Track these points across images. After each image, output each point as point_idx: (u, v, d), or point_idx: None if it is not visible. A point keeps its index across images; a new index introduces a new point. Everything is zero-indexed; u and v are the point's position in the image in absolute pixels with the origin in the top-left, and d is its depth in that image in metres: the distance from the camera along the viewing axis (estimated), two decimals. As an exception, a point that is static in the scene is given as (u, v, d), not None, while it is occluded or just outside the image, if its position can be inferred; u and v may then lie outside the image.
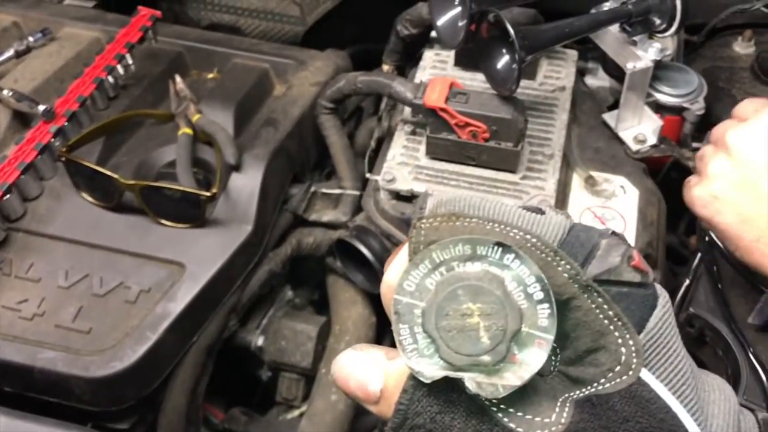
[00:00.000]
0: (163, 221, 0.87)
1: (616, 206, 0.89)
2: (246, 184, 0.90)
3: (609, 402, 0.32)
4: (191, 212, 0.86)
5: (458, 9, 0.87)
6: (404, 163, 0.91)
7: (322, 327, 0.98)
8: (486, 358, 0.31)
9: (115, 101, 0.99)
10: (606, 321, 0.32)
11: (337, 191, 1.01)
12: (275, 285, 1.00)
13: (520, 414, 0.32)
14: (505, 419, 0.32)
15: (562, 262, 0.33)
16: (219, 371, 0.93)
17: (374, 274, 0.93)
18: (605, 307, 0.32)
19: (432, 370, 0.32)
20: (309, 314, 1.04)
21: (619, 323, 0.32)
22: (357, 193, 0.99)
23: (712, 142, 0.73)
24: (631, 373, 0.32)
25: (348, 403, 0.91)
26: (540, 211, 0.35)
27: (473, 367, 0.31)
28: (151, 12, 1.04)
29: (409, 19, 1.03)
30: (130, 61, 1.00)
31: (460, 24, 0.86)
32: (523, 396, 0.32)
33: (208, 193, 0.84)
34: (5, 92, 0.93)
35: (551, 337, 0.31)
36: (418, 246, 0.34)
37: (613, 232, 0.35)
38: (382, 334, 1.07)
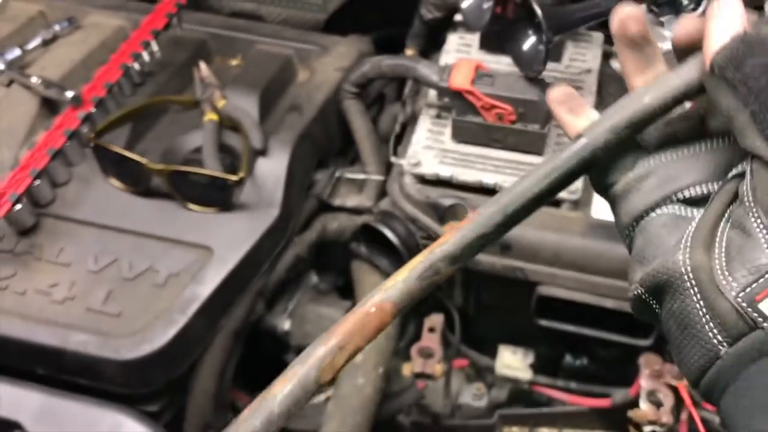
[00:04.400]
0: (191, 206, 0.88)
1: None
2: (272, 168, 0.91)
3: None
4: (218, 196, 0.87)
5: (484, -9, 0.86)
6: (429, 147, 0.91)
7: (347, 312, 0.98)
8: None
9: (141, 88, 1.00)
10: None
11: (361, 176, 1.01)
12: (301, 270, 1.00)
13: None
14: None
15: None
16: (246, 356, 0.94)
17: (399, 258, 0.93)
18: None
19: None
20: (334, 299, 1.04)
21: None
22: (381, 178, 1.00)
23: None
24: None
25: (375, 386, 0.92)
26: None
27: None
28: (176, -1, 1.04)
29: (433, 3, 1.02)
30: (155, 48, 1.00)
31: (486, 6, 0.86)
32: None
33: (235, 177, 0.85)
34: (33, 79, 0.94)
35: None
36: None
37: None
38: (407, 320, 1.07)
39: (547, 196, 0.43)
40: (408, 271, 0.43)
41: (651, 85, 0.41)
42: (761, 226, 0.36)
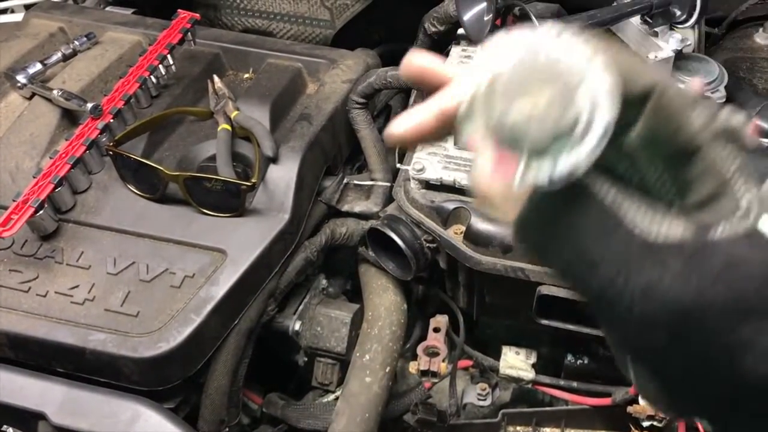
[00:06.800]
0: (206, 211, 0.91)
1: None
2: (283, 175, 0.94)
3: (730, 239, 0.34)
4: (232, 202, 0.90)
5: (483, 4, 0.90)
6: (434, 153, 0.94)
7: (355, 313, 1.01)
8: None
9: (157, 99, 1.04)
10: (732, 170, 0.34)
11: (368, 183, 1.04)
12: (310, 273, 1.03)
13: (647, 222, 0.34)
14: (630, 223, 0.34)
15: (700, 108, 0.34)
16: (257, 357, 0.96)
17: (405, 261, 0.96)
18: (732, 157, 0.34)
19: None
20: (343, 302, 1.06)
21: (742, 174, 0.34)
22: (388, 184, 1.03)
23: None
24: (751, 219, 0.34)
25: (382, 385, 0.94)
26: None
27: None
28: (191, 15, 1.08)
29: (436, 17, 1.06)
30: (171, 62, 1.04)
31: (486, 19, 0.89)
32: (654, 211, 0.34)
33: (248, 183, 0.88)
34: (55, 92, 0.98)
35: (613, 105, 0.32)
36: None
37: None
38: (413, 323, 1.10)
39: None
40: None
41: None
42: None
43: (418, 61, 0.41)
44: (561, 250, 0.35)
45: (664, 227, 0.34)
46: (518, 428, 1.05)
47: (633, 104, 0.34)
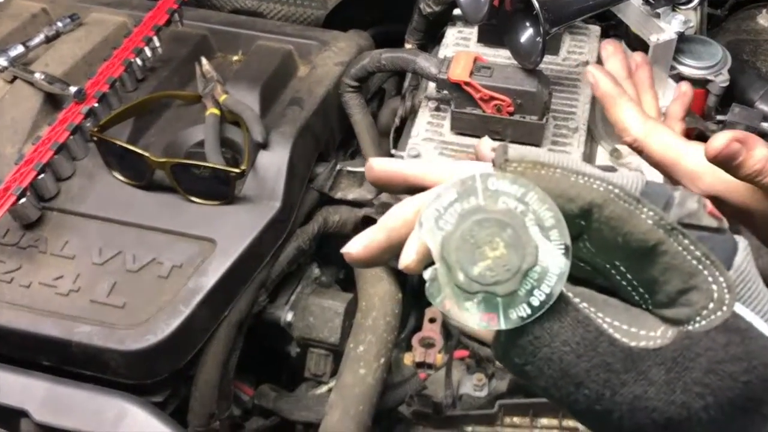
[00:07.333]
0: (194, 198, 0.88)
1: (641, 178, 0.89)
2: (273, 161, 0.91)
3: (708, 334, 0.33)
4: (221, 189, 0.87)
5: (481, -16, 0.87)
6: (429, 139, 0.91)
7: (349, 303, 0.99)
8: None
9: (144, 83, 1.01)
10: (695, 261, 0.33)
11: (361, 169, 1.01)
12: (302, 263, 1.01)
13: (625, 327, 0.33)
14: (610, 330, 0.33)
15: (645, 209, 0.33)
16: (248, 348, 0.94)
17: (400, 249, 0.93)
18: (692, 248, 0.33)
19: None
20: (336, 291, 1.04)
21: (708, 262, 0.33)
22: (382, 170, 1.00)
23: None
24: (725, 308, 0.33)
25: (377, 377, 0.92)
26: (614, 169, 0.36)
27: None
28: (177, -5, 1.05)
29: (431, -3, 1.03)
30: (157, 44, 1.01)
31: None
32: (629, 313, 0.34)
33: (237, 170, 0.85)
34: (37, 75, 0.95)
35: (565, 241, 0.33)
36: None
37: (683, 186, 0.35)
38: (407, 312, 1.08)
39: None
40: None
41: None
42: None
43: (379, 167, 0.40)
44: (543, 369, 0.34)
45: (642, 332, 0.33)
46: (515, 419, 1.04)
47: (575, 222, 0.34)
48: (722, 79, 0.95)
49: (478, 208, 0.33)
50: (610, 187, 0.34)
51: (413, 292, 1.11)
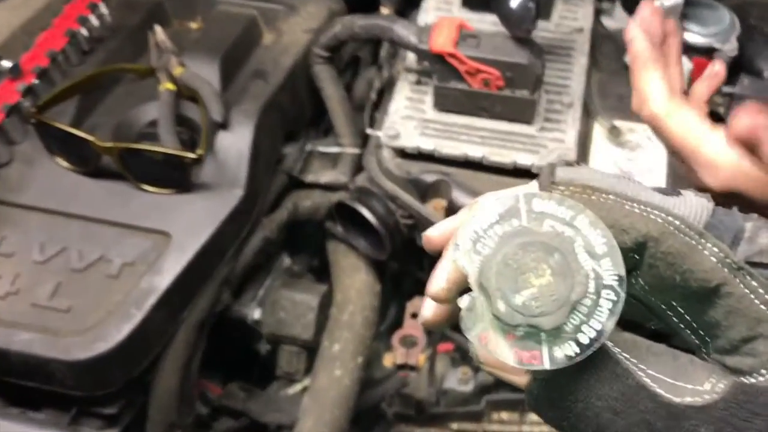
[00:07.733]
0: (146, 187, 0.82)
1: (642, 158, 0.81)
2: (234, 143, 0.85)
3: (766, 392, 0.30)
4: (176, 176, 0.81)
5: (466, -59, 0.78)
6: (409, 117, 0.84)
7: (323, 296, 0.92)
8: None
9: (90, 56, 0.93)
10: (763, 306, 0.30)
11: (335, 149, 0.95)
12: (271, 253, 0.95)
13: (669, 380, 0.31)
14: (653, 384, 0.31)
15: (709, 245, 0.31)
16: (215, 344, 0.89)
17: (378, 239, 0.87)
18: (761, 291, 0.30)
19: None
20: (309, 283, 0.99)
21: None
22: (357, 151, 0.93)
23: None
24: None
25: (354, 377, 0.86)
26: (677, 193, 0.33)
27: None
28: (126, -45, 0.96)
29: (409, -44, 0.94)
30: (104, 11, 0.94)
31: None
32: (676, 363, 0.31)
33: (193, 155, 0.79)
34: (-34, 48, 0.86)
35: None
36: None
37: (757, 215, 0.32)
38: (387, 302, 1.01)
39: None
40: None
41: None
42: None
43: (437, 235, 0.37)
44: (578, 426, 0.31)
45: (689, 386, 0.31)
46: (503, 415, 0.98)
47: (628, 256, 0.31)
48: (730, 48, 0.87)
49: (522, 231, 0.30)
50: (670, 218, 0.31)
51: (394, 280, 1.04)
